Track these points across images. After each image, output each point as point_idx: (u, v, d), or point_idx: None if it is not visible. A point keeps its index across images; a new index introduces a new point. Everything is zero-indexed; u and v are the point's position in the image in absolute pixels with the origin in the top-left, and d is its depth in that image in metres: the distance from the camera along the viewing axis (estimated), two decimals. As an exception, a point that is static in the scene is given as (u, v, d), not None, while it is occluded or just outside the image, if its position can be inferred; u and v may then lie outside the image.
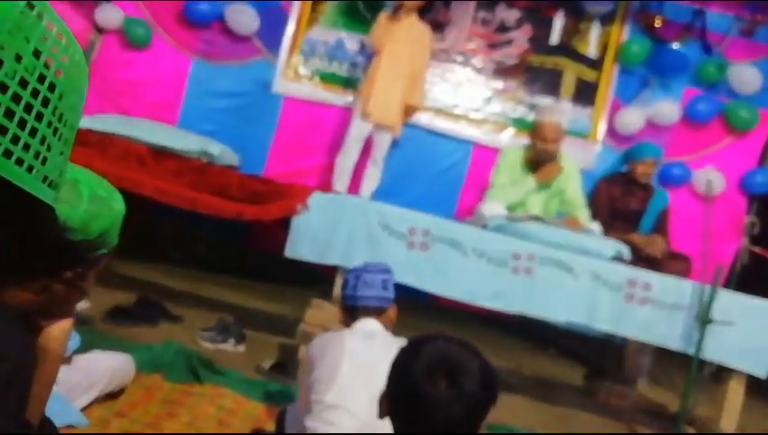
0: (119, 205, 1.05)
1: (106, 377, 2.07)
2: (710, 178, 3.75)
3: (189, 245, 4.19)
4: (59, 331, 1.06)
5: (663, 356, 3.50)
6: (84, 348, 2.06)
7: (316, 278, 3.25)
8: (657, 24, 4.22)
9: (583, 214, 3.52)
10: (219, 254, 4.24)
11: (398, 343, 1.17)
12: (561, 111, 3.93)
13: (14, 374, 0.74)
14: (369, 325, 1.80)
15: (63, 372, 1.69)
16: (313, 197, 2.92)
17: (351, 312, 1.86)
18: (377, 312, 1.85)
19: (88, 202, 0.98)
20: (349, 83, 4.29)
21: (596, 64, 4.35)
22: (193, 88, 4.26)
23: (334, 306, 2.79)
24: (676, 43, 4.25)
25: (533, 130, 3.64)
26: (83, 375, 1.99)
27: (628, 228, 3.56)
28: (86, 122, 3.55)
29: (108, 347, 2.27)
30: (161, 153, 3.22)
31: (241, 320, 3.12)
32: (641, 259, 3.32)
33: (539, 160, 3.52)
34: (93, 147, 3.17)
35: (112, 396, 2.15)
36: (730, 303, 2.95)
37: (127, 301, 3.14)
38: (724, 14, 4.24)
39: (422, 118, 4.22)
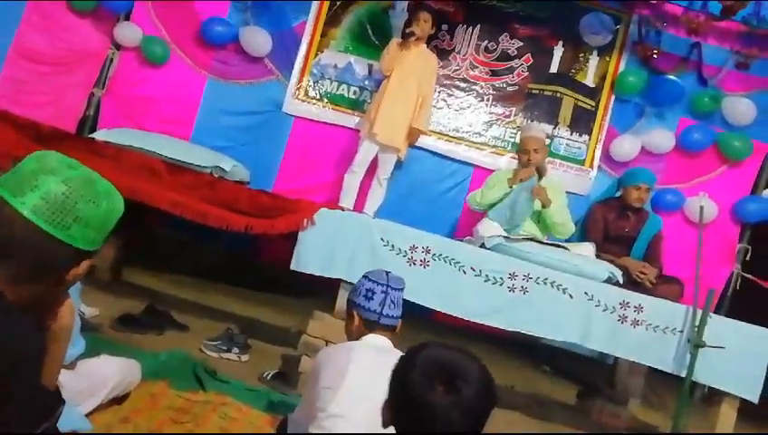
0: (120, 202, 1.12)
1: (112, 382, 2.07)
2: (703, 205, 3.85)
3: (198, 256, 4.29)
4: (64, 310, 1.16)
5: (655, 378, 3.57)
6: (91, 354, 2.07)
7: (319, 290, 3.35)
8: (655, 55, 4.37)
9: (568, 225, 3.64)
10: (227, 265, 4.34)
11: None
12: (540, 127, 4.10)
13: (24, 365, 0.88)
14: (381, 341, 1.85)
15: (68, 377, 1.74)
16: (319, 213, 3.03)
17: (370, 325, 1.88)
18: (393, 329, 1.91)
19: (105, 197, 1.05)
20: (356, 105, 4.44)
21: (593, 93, 4.51)
22: (207, 105, 4.41)
23: (336, 319, 2.90)
24: (672, 74, 4.39)
25: (518, 146, 3.82)
26: (88, 380, 1.98)
27: (622, 252, 3.65)
28: (102, 135, 3.71)
29: (115, 353, 2.29)
30: (175, 167, 3.33)
31: (246, 330, 3.21)
32: (634, 283, 3.42)
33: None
34: (109, 159, 3.28)
35: (117, 401, 2.16)
36: (722, 327, 3.02)
37: (135, 309, 3.23)
38: (720, 48, 4.39)
39: (426, 140, 4.36)
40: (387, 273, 1.99)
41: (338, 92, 4.47)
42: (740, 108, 4.33)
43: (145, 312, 3.24)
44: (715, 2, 3.51)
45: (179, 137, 4.19)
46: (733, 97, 4.36)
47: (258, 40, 4.34)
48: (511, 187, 3.54)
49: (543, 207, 3.56)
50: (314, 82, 4.47)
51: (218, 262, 4.37)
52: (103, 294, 3.28)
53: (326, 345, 2.77)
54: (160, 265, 4.04)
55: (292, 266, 2.99)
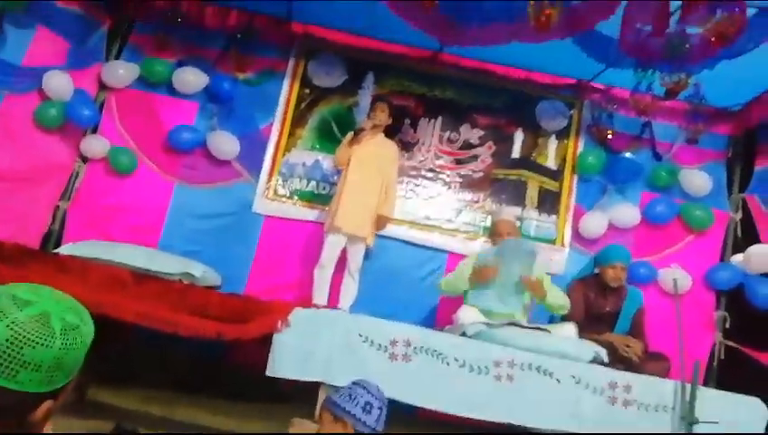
0: (89, 329, 1.07)
1: None
2: (675, 276, 3.90)
3: (169, 367, 4.10)
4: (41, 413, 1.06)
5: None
6: (57, 486, 1.95)
7: (296, 394, 3.19)
8: (609, 136, 4.58)
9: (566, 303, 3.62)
10: (199, 374, 4.14)
11: None
12: (511, 211, 4.25)
13: None
14: None
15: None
16: (294, 313, 2.95)
17: None
18: None
19: (60, 336, 0.99)
20: (326, 200, 4.47)
21: (556, 175, 4.67)
22: (175, 211, 4.39)
23: (317, 424, 2.74)
24: (628, 152, 4.59)
25: (491, 230, 3.90)
26: None
27: (605, 330, 3.61)
28: (67, 249, 3.62)
29: (83, 482, 2.17)
30: (143, 277, 3.25)
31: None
32: (620, 360, 3.36)
33: None
34: (74, 273, 3.19)
35: None
36: (713, 401, 2.98)
37: (103, 429, 3.01)
38: (669, 125, 4.64)
39: (398, 230, 4.39)
40: (378, 387, 1.97)
41: (307, 189, 4.53)
42: (696, 180, 4.52)
43: (113, 432, 3.02)
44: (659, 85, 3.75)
45: (148, 244, 4.13)
46: (688, 170, 4.56)
47: (226, 144, 4.42)
48: (472, 287, 3.53)
49: (540, 300, 3.54)
50: (284, 181, 4.52)
51: (190, 371, 4.17)
52: (67, 418, 3.06)
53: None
54: (128, 380, 3.82)
55: (268, 372, 2.86)
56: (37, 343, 0.97)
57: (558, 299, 3.57)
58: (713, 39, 3.10)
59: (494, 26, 3.73)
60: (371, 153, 4.00)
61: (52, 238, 4.22)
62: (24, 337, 0.96)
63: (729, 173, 4.69)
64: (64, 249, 3.65)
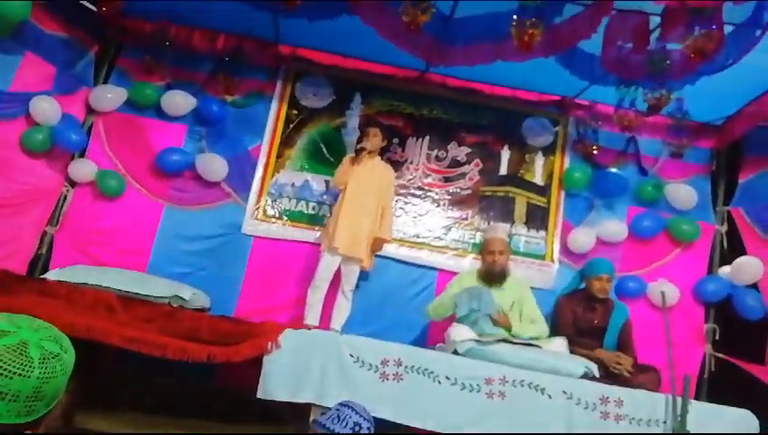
0: (70, 357, 1.06)
1: None
2: (663, 289, 3.93)
3: (156, 390, 4.05)
4: None
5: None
6: None
7: (288, 414, 3.17)
8: (595, 151, 4.64)
9: (542, 326, 3.64)
10: (190, 397, 4.09)
11: None
12: (504, 229, 4.25)
13: None
14: None
15: None
16: (284, 334, 2.94)
17: None
18: None
19: (39, 366, 0.99)
20: (316, 220, 4.49)
21: (543, 190, 4.71)
22: (164, 233, 4.37)
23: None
24: (614, 167, 4.65)
25: (482, 247, 3.92)
26: None
27: (594, 344, 3.63)
28: (55, 274, 3.59)
29: None
30: (131, 301, 3.23)
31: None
32: (610, 375, 3.37)
33: (490, 273, 3.75)
34: (62, 299, 3.17)
35: None
36: (704, 414, 2.99)
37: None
38: (654, 140, 4.72)
39: (388, 248, 4.39)
40: (364, 407, 1.96)
41: (297, 209, 4.53)
42: (682, 194, 4.57)
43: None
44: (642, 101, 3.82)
45: (137, 267, 4.11)
46: (673, 184, 4.62)
47: (214, 166, 4.43)
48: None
49: (509, 331, 3.55)
50: (273, 202, 4.53)
51: (179, 395, 4.12)
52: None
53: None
54: (117, 404, 3.77)
55: (259, 394, 2.84)
56: (15, 373, 0.96)
57: (532, 332, 3.57)
58: (692, 55, 3.18)
59: (478, 46, 3.80)
60: (368, 176, 4.03)
61: (40, 264, 4.18)
62: (2, 368, 0.96)
63: (714, 186, 4.75)
64: (52, 274, 3.62)
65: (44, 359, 1.00)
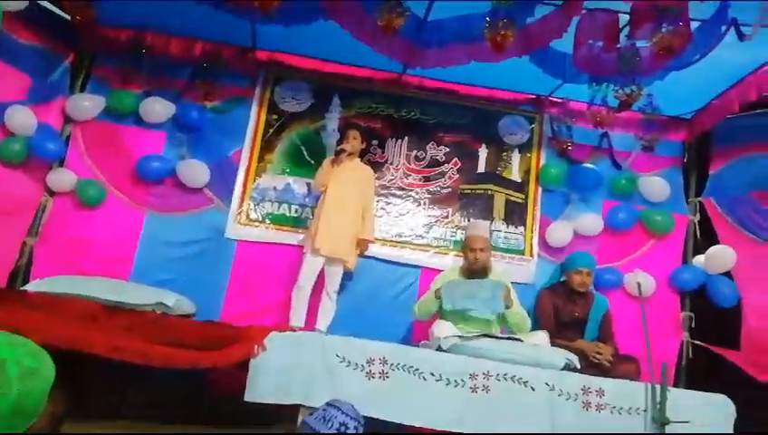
0: (49, 370, 1.05)
1: None
2: (639, 280, 4.02)
3: (145, 396, 4.04)
4: None
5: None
6: None
7: (278, 416, 3.19)
8: (569, 147, 4.74)
9: (527, 323, 3.70)
10: (177, 402, 4.09)
11: None
12: (485, 226, 4.30)
13: None
14: None
15: None
16: (270, 337, 2.96)
17: None
18: None
19: (18, 383, 0.98)
20: (299, 223, 4.52)
21: (521, 187, 4.80)
22: (146, 240, 4.35)
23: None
24: (588, 162, 4.75)
25: (464, 244, 3.98)
26: None
27: (575, 336, 3.71)
28: (35, 286, 3.57)
29: None
30: (114, 310, 3.21)
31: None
32: (591, 366, 3.45)
33: (472, 270, 3.80)
34: (43, 310, 3.13)
35: None
36: (683, 400, 3.06)
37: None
38: (626, 134, 4.83)
39: (371, 248, 4.42)
40: (352, 406, 1.97)
41: (279, 212, 4.55)
42: (655, 186, 4.69)
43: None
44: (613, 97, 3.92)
45: (120, 275, 4.09)
46: (646, 177, 4.73)
47: (195, 172, 4.43)
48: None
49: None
50: (255, 205, 4.54)
51: (168, 399, 4.12)
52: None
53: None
54: (105, 412, 3.76)
55: (247, 397, 2.86)
56: None
57: (517, 317, 3.63)
58: (661, 52, 3.26)
59: (452, 48, 3.86)
60: (348, 177, 4.07)
61: (20, 275, 4.14)
62: None
63: (686, 178, 4.87)
64: (32, 286, 3.60)
65: (23, 376, 0.99)
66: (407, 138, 4.81)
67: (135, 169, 4.40)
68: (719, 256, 4.40)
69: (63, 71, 4.43)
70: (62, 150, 4.34)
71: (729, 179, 4.64)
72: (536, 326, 3.74)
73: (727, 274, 4.44)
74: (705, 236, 4.69)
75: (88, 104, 4.42)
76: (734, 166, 4.64)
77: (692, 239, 4.73)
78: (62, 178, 4.30)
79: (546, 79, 4.25)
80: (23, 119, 4.00)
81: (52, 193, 4.33)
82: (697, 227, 4.72)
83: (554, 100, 4.79)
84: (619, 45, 3.51)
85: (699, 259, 4.56)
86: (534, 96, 4.80)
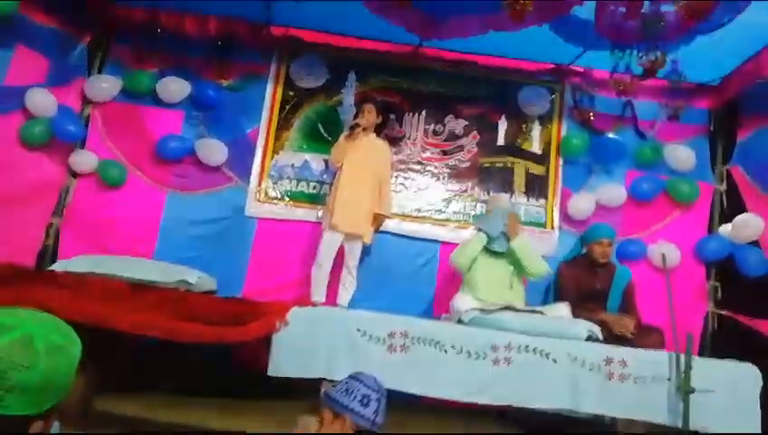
0: (76, 347, 1.07)
1: None
2: (663, 251, 3.96)
3: (172, 371, 4.13)
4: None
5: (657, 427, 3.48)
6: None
7: (303, 389, 3.23)
8: (592, 117, 4.64)
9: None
10: (203, 376, 4.17)
11: None
12: (505, 199, 4.32)
13: None
14: None
15: None
16: (292, 312, 2.99)
17: (362, 433, 1.88)
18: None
19: (45, 357, 1.00)
20: (317, 199, 4.52)
21: (542, 159, 4.72)
22: (168, 219, 4.41)
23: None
24: (611, 132, 4.65)
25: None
26: None
27: (597, 308, 3.67)
28: (62, 265, 3.64)
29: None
30: (139, 287, 3.28)
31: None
32: (614, 337, 3.42)
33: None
34: (70, 289, 3.21)
35: None
36: (707, 369, 3.03)
37: (112, 440, 3.03)
38: (650, 103, 4.69)
39: (390, 223, 4.42)
40: (374, 378, 1.99)
41: (297, 189, 4.56)
42: (680, 155, 4.58)
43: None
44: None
45: (143, 254, 4.16)
46: (671, 146, 4.62)
47: (214, 150, 4.45)
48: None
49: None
50: (274, 183, 4.56)
51: (194, 374, 4.20)
52: (74, 431, 3.08)
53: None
54: (133, 388, 3.85)
55: (270, 372, 2.91)
56: (22, 365, 0.97)
57: (536, 262, 3.74)
58: (687, 15, 3.15)
59: (469, 18, 3.78)
60: (364, 153, 4.05)
61: (48, 255, 4.24)
62: (8, 360, 0.97)
63: (712, 146, 4.74)
64: (59, 266, 3.68)
65: (50, 351, 1.02)
66: (424, 111, 4.75)
67: (154, 149, 4.44)
68: (747, 225, 4.29)
69: (81, 52, 4.45)
70: (83, 132, 4.39)
71: (758, 147, 4.50)
72: (558, 299, 3.71)
73: (755, 243, 4.34)
74: (731, 206, 4.58)
75: (106, 86, 4.46)
76: (764, 133, 4.49)
77: (718, 208, 4.62)
78: (84, 160, 4.36)
79: (567, 47, 4.14)
80: (43, 101, 4.05)
81: (74, 174, 4.40)
82: (724, 196, 4.61)
83: (576, 69, 4.67)
84: (642, 10, 3.39)
85: (726, 229, 4.46)
86: (555, 65, 4.68)
